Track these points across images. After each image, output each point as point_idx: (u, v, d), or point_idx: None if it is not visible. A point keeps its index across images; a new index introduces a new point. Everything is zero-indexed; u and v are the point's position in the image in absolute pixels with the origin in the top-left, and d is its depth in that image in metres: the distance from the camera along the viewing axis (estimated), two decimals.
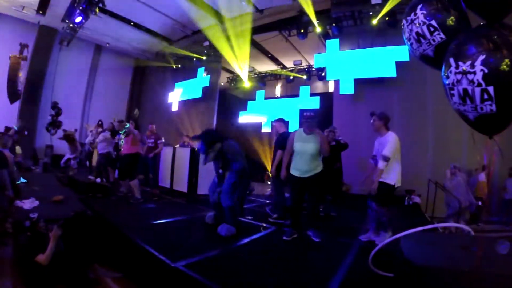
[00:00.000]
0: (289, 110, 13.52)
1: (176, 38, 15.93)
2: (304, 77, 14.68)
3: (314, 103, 12.88)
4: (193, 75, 15.50)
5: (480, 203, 8.19)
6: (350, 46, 11.03)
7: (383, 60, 10.05)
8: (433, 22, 2.50)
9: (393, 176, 4.19)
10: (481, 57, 2.14)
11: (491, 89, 2.13)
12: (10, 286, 3.58)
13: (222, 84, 16.88)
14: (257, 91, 15.62)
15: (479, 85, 2.16)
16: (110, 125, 8.39)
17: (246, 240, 4.33)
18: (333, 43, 11.26)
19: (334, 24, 11.04)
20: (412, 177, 8.00)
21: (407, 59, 9.35)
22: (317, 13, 10.99)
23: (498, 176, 8.09)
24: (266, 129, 14.15)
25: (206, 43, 14.32)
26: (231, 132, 13.13)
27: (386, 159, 4.10)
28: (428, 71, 8.20)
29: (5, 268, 4.02)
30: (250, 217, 5.77)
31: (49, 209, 4.63)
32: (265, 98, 15.28)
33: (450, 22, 2.49)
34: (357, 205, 7.24)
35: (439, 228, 5.16)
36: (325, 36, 11.86)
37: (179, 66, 16.85)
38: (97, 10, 11.91)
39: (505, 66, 2.09)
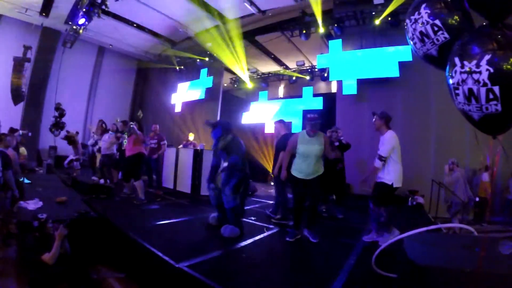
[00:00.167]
0: (292, 111, 13.51)
1: (179, 39, 15.95)
2: (307, 77, 14.66)
3: (317, 104, 12.85)
4: (196, 76, 15.52)
5: (477, 199, 8.16)
6: (352, 46, 11.00)
7: (386, 60, 10.02)
8: (437, 22, 2.49)
9: (391, 176, 4.17)
10: (487, 57, 2.13)
11: (496, 89, 2.12)
12: (15, 286, 3.59)
13: (225, 85, 16.88)
14: (259, 92, 15.63)
15: (485, 84, 2.15)
16: (113, 126, 8.41)
17: (249, 241, 4.32)
18: (335, 44, 11.24)
19: (336, 25, 11.03)
20: (415, 178, 7.99)
21: (410, 59, 9.33)
22: (319, 14, 10.99)
23: (501, 176, 8.05)
24: (269, 130, 14.13)
25: (209, 45, 14.34)
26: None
27: (382, 158, 4.15)
28: (431, 71, 8.17)
29: (9, 268, 4.04)
30: (253, 218, 5.77)
31: (53, 210, 4.63)
32: (268, 99, 15.29)
33: (454, 21, 2.48)
34: (359, 205, 7.24)
35: (443, 228, 5.15)
36: (328, 36, 11.85)
37: (182, 67, 16.89)
38: (100, 12, 11.96)
39: (510, 66, 2.08)
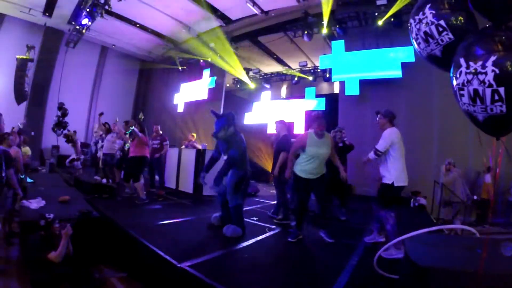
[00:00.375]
0: (295, 112, 13.51)
1: (181, 39, 15.98)
2: (310, 78, 14.66)
3: (320, 105, 12.86)
4: (199, 76, 15.54)
5: (475, 197, 8.14)
6: (355, 47, 10.99)
7: (388, 61, 10.02)
8: (442, 22, 2.48)
9: (391, 174, 4.00)
10: (493, 58, 2.12)
11: (501, 90, 2.11)
12: (17, 286, 3.61)
13: (228, 85, 16.89)
14: (262, 92, 15.64)
15: (490, 85, 2.14)
16: (114, 126, 8.43)
17: (251, 241, 4.32)
18: (338, 44, 11.23)
19: (339, 25, 11.01)
20: (418, 179, 7.95)
21: (413, 60, 9.31)
22: (322, 14, 10.98)
23: (504, 178, 8.02)
24: (271, 131, 14.13)
25: (212, 45, 14.37)
26: None
27: (377, 152, 4.04)
28: (433, 72, 8.18)
29: (12, 268, 4.05)
30: (255, 218, 5.76)
31: (56, 209, 4.64)
32: (271, 99, 15.30)
33: (459, 22, 2.47)
34: (361, 206, 7.23)
35: (445, 229, 5.13)
36: (330, 37, 11.84)
37: (185, 67, 16.91)
38: (103, 12, 11.99)
39: None
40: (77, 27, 13.33)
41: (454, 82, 2.42)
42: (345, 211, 6.07)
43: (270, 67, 16.68)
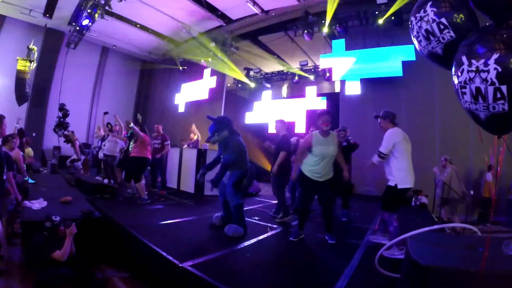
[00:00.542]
0: (296, 111, 13.51)
1: (182, 39, 15.99)
2: (312, 77, 14.66)
3: (321, 104, 12.85)
4: (200, 76, 15.54)
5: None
6: (356, 46, 10.98)
7: (389, 60, 10.00)
8: (443, 20, 2.47)
9: (394, 176, 3.92)
10: (495, 56, 2.12)
11: (504, 88, 2.11)
12: (19, 286, 3.61)
13: (228, 85, 16.91)
14: (263, 92, 15.64)
15: (492, 83, 2.13)
16: (116, 126, 8.43)
17: (253, 241, 4.32)
18: (339, 43, 11.23)
19: (339, 25, 11.00)
20: (419, 178, 7.91)
21: (414, 58, 9.30)
22: (323, 13, 10.98)
23: (505, 176, 8.01)
24: (272, 130, 14.12)
25: (213, 45, 14.38)
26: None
27: (380, 154, 3.96)
28: (435, 71, 8.16)
29: (14, 268, 4.06)
30: (257, 218, 5.77)
31: (58, 210, 4.64)
32: (272, 99, 15.30)
33: (460, 20, 2.46)
34: (362, 205, 7.23)
35: (446, 228, 5.11)
36: (331, 36, 11.83)
37: (186, 67, 16.92)
38: (103, 12, 12.00)
39: None
40: (78, 28, 13.35)
41: (456, 80, 2.41)
42: (347, 212, 6.06)
43: (271, 66, 16.69)
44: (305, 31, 11.53)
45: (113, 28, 14.43)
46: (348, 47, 11.05)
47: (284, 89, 17.55)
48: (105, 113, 9.04)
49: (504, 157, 2.30)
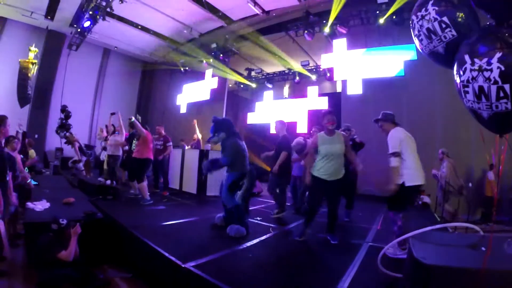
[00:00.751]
0: (297, 111, 13.49)
1: (183, 40, 16.01)
2: (314, 77, 14.64)
3: (322, 104, 12.84)
4: (201, 77, 15.55)
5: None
6: (357, 45, 10.95)
7: (391, 60, 9.98)
8: (445, 19, 2.46)
9: (402, 175, 3.83)
10: (498, 55, 2.12)
11: (507, 87, 2.10)
12: (22, 286, 3.62)
13: (230, 85, 16.91)
14: (264, 92, 15.64)
15: (495, 82, 2.12)
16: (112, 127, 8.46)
17: (255, 241, 4.32)
18: (340, 43, 11.21)
19: (340, 24, 10.98)
20: None
21: (415, 58, 9.27)
22: (324, 13, 10.97)
23: (507, 175, 7.98)
24: (274, 131, 14.12)
25: (214, 45, 14.39)
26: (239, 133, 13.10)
27: (394, 154, 3.86)
28: (436, 70, 8.12)
29: (17, 269, 4.07)
30: (259, 218, 5.78)
31: (60, 211, 4.65)
32: (273, 99, 15.29)
33: (462, 19, 2.46)
34: (365, 205, 7.21)
35: (449, 227, 5.09)
36: (332, 36, 11.82)
37: (187, 68, 16.93)
38: (105, 14, 12.02)
39: None
40: (79, 30, 13.38)
41: (458, 79, 2.40)
42: (349, 212, 6.05)
43: (272, 67, 16.67)
44: (306, 31, 11.52)
45: (115, 30, 14.45)
46: (350, 46, 11.02)
47: (286, 89, 17.54)
48: (112, 113, 9.05)
49: (506, 156, 2.29)
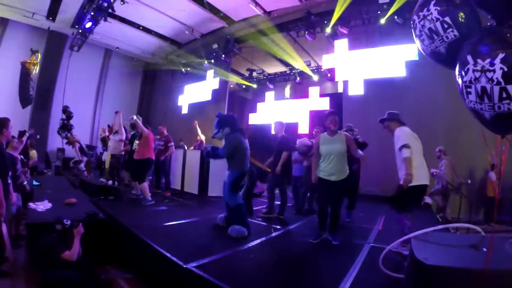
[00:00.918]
0: (299, 112, 13.48)
1: (185, 41, 16.02)
2: (316, 77, 14.63)
3: (324, 104, 12.82)
4: (203, 77, 15.56)
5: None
6: (358, 46, 10.94)
7: (392, 60, 9.96)
8: (447, 19, 2.46)
9: (403, 172, 3.77)
10: (501, 55, 2.11)
11: (510, 87, 2.10)
12: (23, 287, 3.63)
13: (232, 86, 16.91)
14: (266, 93, 15.63)
15: (498, 83, 2.12)
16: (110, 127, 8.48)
17: (257, 242, 4.32)
18: (341, 43, 11.19)
19: (342, 24, 10.97)
20: None
21: (417, 58, 9.25)
22: (325, 14, 10.96)
23: (508, 175, 7.96)
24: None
25: (215, 46, 14.39)
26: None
27: (404, 146, 3.73)
28: (438, 71, 8.10)
29: (19, 270, 4.08)
30: (260, 219, 5.78)
31: (62, 212, 4.66)
32: (275, 100, 15.28)
33: (464, 19, 2.45)
34: (366, 206, 7.20)
35: (450, 228, 5.08)
36: (333, 36, 11.81)
37: (188, 69, 16.93)
38: (106, 15, 12.04)
39: None
40: (81, 31, 13.40)
41: (460, 80, 2.40)
42: (351, 212, 6.04)
43: (274, 67, 16.67)
44: (307, 32, 11.51)
45: (116, 31, 14.48)
46: (351, 47, 11.00)
47: (287, 90, 17.53)
48: (117, 112, 9.07)
49: (507, 156, 2.29)
